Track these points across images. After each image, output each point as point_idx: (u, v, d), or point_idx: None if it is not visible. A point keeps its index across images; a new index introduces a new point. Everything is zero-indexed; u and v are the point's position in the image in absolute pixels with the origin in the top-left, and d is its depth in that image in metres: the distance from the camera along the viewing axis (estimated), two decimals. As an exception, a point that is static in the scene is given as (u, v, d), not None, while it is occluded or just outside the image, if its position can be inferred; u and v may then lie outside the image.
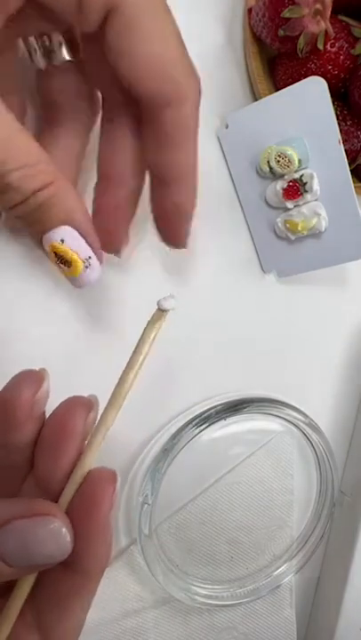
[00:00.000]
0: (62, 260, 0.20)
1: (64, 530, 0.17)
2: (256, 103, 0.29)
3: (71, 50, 0.22)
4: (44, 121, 0.24)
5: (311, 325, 0.36)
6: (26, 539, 0.17)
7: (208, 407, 0.32)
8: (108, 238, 0.24)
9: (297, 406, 0.34)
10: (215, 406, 0.32)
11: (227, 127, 0.30)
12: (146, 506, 0.30)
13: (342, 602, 0.36)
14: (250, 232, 0.33)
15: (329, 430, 0.38)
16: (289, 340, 0.36)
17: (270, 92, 0.29)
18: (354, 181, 0.28)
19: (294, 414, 0.34)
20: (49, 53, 0.21)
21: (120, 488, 0.33)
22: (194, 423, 0.31)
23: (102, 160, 0.24)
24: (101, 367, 0.31)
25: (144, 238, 0.30)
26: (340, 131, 0.27)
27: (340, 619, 0.37)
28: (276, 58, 0.30)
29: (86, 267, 0.21)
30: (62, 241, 0.20)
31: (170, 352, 0.32)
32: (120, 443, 0.32)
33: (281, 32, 0.27)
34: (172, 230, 0.25)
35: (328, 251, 0.31)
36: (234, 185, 0.32)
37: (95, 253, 0.21)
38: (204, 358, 0.33)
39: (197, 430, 0.31)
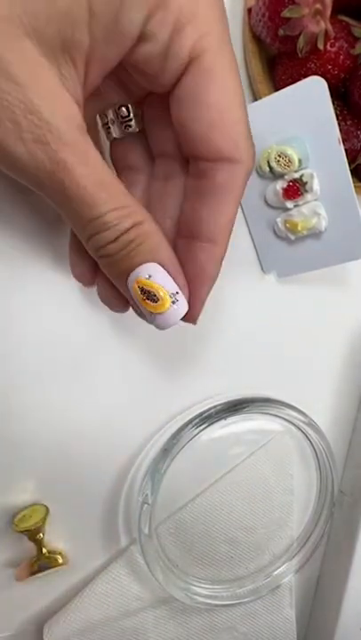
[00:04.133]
0: (149, 296, 0.21)
1: None
2: (256, 103, 0.29)
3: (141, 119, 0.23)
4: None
5: (311, 325, 0.36)
6: None
7: (208, 407, 0.32)
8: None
9: (297, 406, 0.34)
10: (215, 406, 0.32)
11: (227, 127, 0.30)
12: (146, 506, 0.30)
13: (342, 602, 0.37)
14: (250, 232, 0.33)
15: (329, 430, 0.38)
16: (289, 340, 0.36)
17: (270, 92, 0.29)
18: (354, 181, 0.28)
19: (294, 414, 0.34)
20: (124, 123, 0.23)
21: (120, 488, 0.33)
22: (194, 423, 0.31)
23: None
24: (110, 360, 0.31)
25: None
26: (341, 131, 0.27)
27: (340, 619, 0.37)
28: (276, 58, 0.30)
29: (173, 302, 0.21)
30: (149, 277, 0.20)
31: (169, 352, 0.32)
32: (120, 443, 0.32)
33: (281, 32, 0.27)
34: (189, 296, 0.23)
35: (328, 251, 0.31)
36: (234, 185, 0.32)
37: (181, 289, 0.21)
38: (203, 358, 0.33)
39: (197, 430, 0.31)
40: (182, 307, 0.21)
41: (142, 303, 0.21)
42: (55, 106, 0.17)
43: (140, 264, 0.20)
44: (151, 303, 0.21)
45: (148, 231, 0.20)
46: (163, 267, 0.21)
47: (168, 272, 0.21)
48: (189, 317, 0.23)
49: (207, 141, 0.20)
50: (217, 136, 0.20)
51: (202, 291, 0.23)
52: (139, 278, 0.20)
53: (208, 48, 0.19)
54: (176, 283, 0.21)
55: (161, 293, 0.21)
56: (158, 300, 0.21)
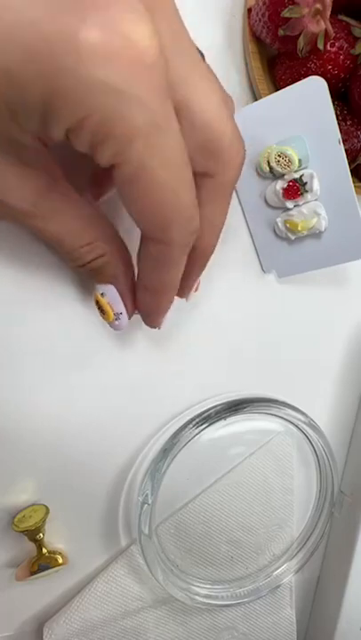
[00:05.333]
0: (99, 308, 0.26)
1: None
2: (256, 103, 0.29)
3: None
4: None
5: (311, 325, 0.36)
6: None
7: (208, 407, 0.32)
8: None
9: (297, 406, 0.34)
10: (215, 406, 0.32)
11: (227, 127, 0.30)
12: (146, 506, 0.30)
13: (342, 602, 0.37)
14: (250, 232, 0.33)
15: (329, 430, 0.38)
16: (289, 339, 0.36)
17: (270, 92, 0.29)
18: (354, 181, 0.28)
19: (294, 414, 0.34)
20: None
21: (120, 488, 0.33)
22: (194, 423, 0.31)
23: None
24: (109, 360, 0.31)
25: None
26: (340, 131, 0.27)
27: (340, 619, 0.37)
28: (276, 58, 0.30)
29: (116, 319, 0.26)
30: (102, 294, 0.25)
31: (170, 352, 0.32)
32: (120, 443, 0.32)
33: (281, 32, 0.27)
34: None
35: (328, 251, 0.31)
36: (234, 185, 0.32)
37: (127, 311, 0.26)
38: (204, 358, 0.33)
39: (197, 430, 0.31)
40: (123, 324, 0.26)
41: (97, 311, 0.26)
42: (21, 192, 0.20)
43: (99, 283, 0.25)
44: (100, 313, 0.26)
45: (107, 262, 0.24)
46: (116, 290, 0.25)
47: (120, 295, 0.25)
48: (150, 324, 0.27)
49: (142, 223, 0.21)
50: (150, 221, 0.20)
51: (159, 301, 0.25)
52: (96, 293, 0.25)
53: (127, 161, 0.18)
54: (124, 305, 0.25)
55: (107, 309, 0.26)
56: (105, 313, 0.26)
